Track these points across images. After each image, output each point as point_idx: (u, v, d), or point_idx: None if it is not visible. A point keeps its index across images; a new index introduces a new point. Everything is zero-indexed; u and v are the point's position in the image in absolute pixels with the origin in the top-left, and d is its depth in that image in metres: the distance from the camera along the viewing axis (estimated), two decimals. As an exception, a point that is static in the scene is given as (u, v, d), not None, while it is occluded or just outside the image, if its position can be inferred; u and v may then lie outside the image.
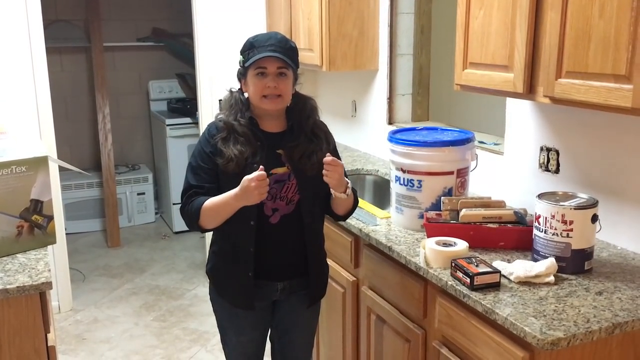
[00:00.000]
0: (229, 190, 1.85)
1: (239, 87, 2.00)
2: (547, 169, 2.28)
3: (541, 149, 2.29)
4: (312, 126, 2.00)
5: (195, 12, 3.82)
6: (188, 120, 5.06)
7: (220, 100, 2.12)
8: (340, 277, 2.50)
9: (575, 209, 1.79)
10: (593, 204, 1.82)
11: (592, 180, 2.10)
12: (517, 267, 1.79)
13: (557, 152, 2.23)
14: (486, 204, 2.10)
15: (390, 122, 3.31)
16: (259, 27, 3.83)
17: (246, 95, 1.96)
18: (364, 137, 3.57)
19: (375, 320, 2.27)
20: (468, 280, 1.73)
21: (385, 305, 2.20)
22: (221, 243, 2.05)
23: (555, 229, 1.81)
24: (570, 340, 1.49)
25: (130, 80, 5.58)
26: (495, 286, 1.74)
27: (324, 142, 2.01)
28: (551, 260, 1.79)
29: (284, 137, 1.97)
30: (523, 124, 2.38)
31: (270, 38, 1.92)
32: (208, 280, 2.12)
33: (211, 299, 2.12)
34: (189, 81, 5.46)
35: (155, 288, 4.14)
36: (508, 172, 2.47)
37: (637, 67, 1.52)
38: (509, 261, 1.89)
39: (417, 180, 2.17)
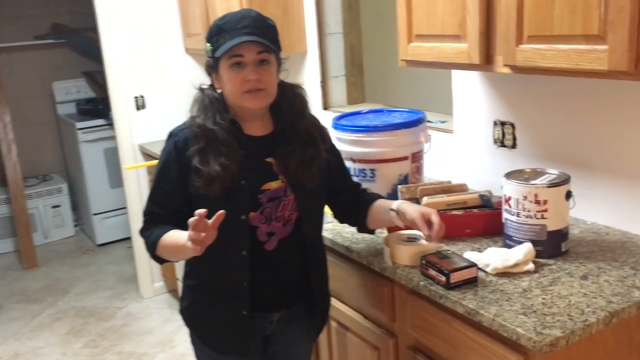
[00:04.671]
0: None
1: (210, 82, 1.62)
2: (503, 145, 2.13)
3: (495, 123, 2.15)
4: (306, 124, 1.63)
5: (97, 3, 3.43)
6: (101, 121, 4.69)
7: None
8: (291, 282, 2.27)
9: (548, 187, 1.63)
10: (565, 180, 1.67)
11: (552, 153, 1.97)
12: (493, 258, 1.62)
13: (513, 126, 2.09)
14: (448, 189, 1.93)
15: (325, 107, 3.12)
16: (170, 12, 3.53)
17: (219, 91, 1.60)
18: (297, 125, 3.35)
19: (337, 328, 2.05)
20: (443, 278, 1.54)
21: (346, 310, 1.98)
22: (203, 276, 1.67)
23: (529, 210, 1.64)
24: (569, 338, 1.32)
25: (32, 83, 5.12)
26: (472, 282, 1.55)
27: (321, 141, 1.66)
28: (528, 246, 1.63)
29: (274, 141, 1.61)
30: (472, 99, 2.22)
31: (244, 17, 1.53)
32: (184, 321, 1.75)
33: (192, 342, 1.75)
34: (98, 79, 5.07)
35: (82, 310, 3.76)
36: (460, 150, 2.31)
37: (612, 25, 1.36)
38: (479, 250, 1.72)
39: (370, 170, 1.98)
